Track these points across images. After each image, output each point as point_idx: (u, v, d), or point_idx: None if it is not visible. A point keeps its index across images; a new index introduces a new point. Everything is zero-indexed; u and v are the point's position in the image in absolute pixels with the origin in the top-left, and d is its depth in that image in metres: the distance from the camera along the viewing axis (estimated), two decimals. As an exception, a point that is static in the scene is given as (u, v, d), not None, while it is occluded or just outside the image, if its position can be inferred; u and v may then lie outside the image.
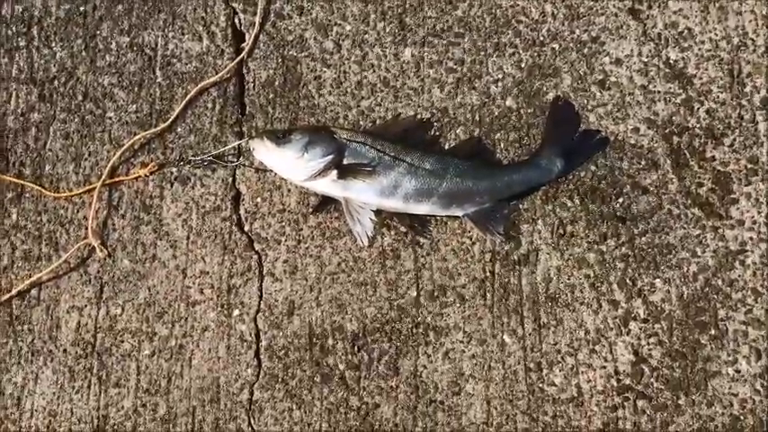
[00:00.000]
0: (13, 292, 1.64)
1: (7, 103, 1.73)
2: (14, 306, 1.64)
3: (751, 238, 1.58)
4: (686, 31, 1.66)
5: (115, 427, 1.58)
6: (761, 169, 1.60)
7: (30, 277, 1.65)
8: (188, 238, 1.65)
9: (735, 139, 1.61)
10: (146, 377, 1.61)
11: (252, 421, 1.57)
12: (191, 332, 1.62)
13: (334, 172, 1.57)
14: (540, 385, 1.55)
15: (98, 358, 1.62)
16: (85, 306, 1.64)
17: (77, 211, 1.68)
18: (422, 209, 1.59)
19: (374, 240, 1.62)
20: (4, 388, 1.61)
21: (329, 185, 1.59)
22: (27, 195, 1.69)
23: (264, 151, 1.59)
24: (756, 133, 1.61)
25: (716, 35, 1.65)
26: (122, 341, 1.62)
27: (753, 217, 1.58)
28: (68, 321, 1.63)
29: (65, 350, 1.62)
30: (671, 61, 1.65)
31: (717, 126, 1.62)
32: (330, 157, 1.56)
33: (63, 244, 1.66)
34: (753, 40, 1.65)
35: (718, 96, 1.63)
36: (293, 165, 1.58)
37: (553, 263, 1.60)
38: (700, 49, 1.65)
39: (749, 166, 1.60)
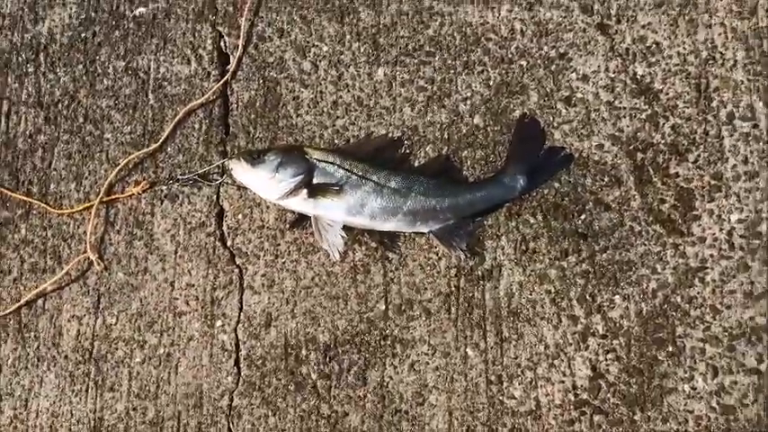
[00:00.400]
0: (22, 301, 1.79)
1: (18, 125, 1.87)
2: (23, 315, 1.79)
3: (711, 255, 1.58)
4: (654, 45, 1.66)
5: (109, 428, 1.71)
6: (724, 185, 1.59)
7: (36, 288, 1.79)
8: (176, 252, 1.76)
9: (699, 155, 1.61)
10: (137, 383, 1.73)
11: (231, 426, 1.68)
12: (177, 341, 1.73)
13: (305, 191, 1.65)
14: (500, 398, 1.60)
15: (95, 364, 1.75)
16: (84, 315, 1.77)
17: (78, 227, 1.80)
18: (388, 226, 1.65)
19: (346, 255, 1.69)
20: (14, 390, 1.76)
21: (300, 203, 1.66)
22: (34, 212, 1.83)
23: (241, 171, 1.68)
24: (721, 149, 1.60)
25: (684, 49, 1.65)
26: (116, 349, 1.74)
27: (714, 234, 1.58)
28: (69, 330, 1.77)
29: (66, 356, 1.76)
30: (638, 76, 1.65)
31: (681, 142, 1.62)
32: (300, 177, 1.64)
33: (65, 257, 1.79)
34: (722, 53, 1.63)
35: (683, 112, 1.63)
36: (266, 184, 1.66)
37: (515, 278, 1.64)
38: (667, 64, 1.65)
39: (713, 182, 1.60)
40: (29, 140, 1.87)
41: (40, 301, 1.79)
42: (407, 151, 1.72)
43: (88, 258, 1.78)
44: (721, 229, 1.58)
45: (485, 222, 1.66)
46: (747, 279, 1.58)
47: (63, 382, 1.76)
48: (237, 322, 1.72)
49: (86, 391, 1.75)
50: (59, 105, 1.87)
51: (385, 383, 1.65)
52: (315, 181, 1.65)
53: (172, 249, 1.77)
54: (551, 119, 1.68)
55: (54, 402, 1.75)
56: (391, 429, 1.63)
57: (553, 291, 1.62)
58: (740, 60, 1.62)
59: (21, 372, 1.77)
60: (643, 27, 1.67)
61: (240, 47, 1.81)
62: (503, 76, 1.71)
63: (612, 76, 1.66)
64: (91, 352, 1.76)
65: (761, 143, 1.59)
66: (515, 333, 1.62)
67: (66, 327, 1.78)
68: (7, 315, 1.79)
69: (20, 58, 1.91)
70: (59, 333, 1.78)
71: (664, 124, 1.63)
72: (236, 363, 1.70)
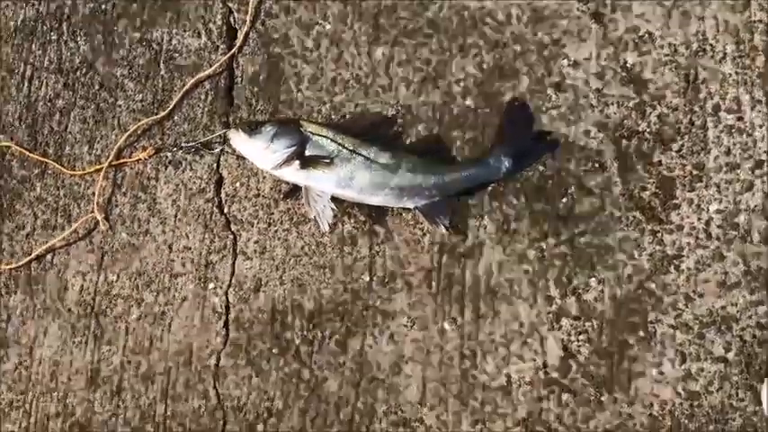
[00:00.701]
0: (33, 255, 1.88)
1: (39, 90, 1.97)
2: (33, 268, 1.88)
3: (688, 244, 1.59)
4: (647, 35, 1.67)
5: (105, 379, 1.80)
6: (705, 176, 1.60)
7: (46, 243, 1.89)
8: (176, 216, 1.84)
9: (683, 145, 1.63)
10: (132, 338, 1.81)
11: (216, 384, 1.75)
12: (172, 301, 1.81)
13: (297, 162, 1.71)
14: (473, 372, 1.64)
15: (95, 319, 1.84)
16: (88, 272, 1.86)
17: (88, 188, 1.89)
18: (375, 200, 1.70)
19: (335, 227, 1.75)
20: (20, 338, 1.86)
21: (293, 174, 1.72)
22: (49, 172, 1.92)
23: (239, 141, 1.75)
24: (705, 139, 1.62)
25: (675, 40, 1.66)
26: (116, 305, 1.83)
27: (692, 223, 1.60)
28: (74, 284, 1.86)
29: (69, 309, 1.85)
30: (628, 65, 1.67)
31: (667, 131, 1.64)
32: (293, 148, 1.70)
33: (74, 216, 1.89)
34: (712, 45, 1.64)
35: (671, 102, 1.64)
36: (261, 154, 1.73)
37: (495, 257, 1.67)
38: (658, 54, 1.67)
39: (695, 172, 1.61)
40: (48, 104, 1.96)
41: (48, 257, 1.89)
42: (400, 129, 1.76)
43: (95, 218, 1.87)
44: (699, 219, 1.60)
45: (469, 201, 1.70)
46: (722, 269, 1.59)
47: (65, 334, 1.85)
48: (229, 286, 1.79)
49: (86, 343, 1.84)
50: (78, 72, 1.96)
51: (364, 352, 1.70)
52: (307, 153, 1.71)
53: (172, 213, 1.84)
54: (541, 103, 1.70)
55: (56, 352, 1.84)
56: (367, 396, 1.68)
57: (531, 271, 1.65)
58: (729, 53, 1.63)
59: (28, 321, 1.86)
60: (637, 17, 1.68)
61: (248, 22, 1.87)
62: (496, 60, 1.74)
63: (603, 63, 1.69)
64: (92, 307, 1.84)
65: (744, 135, 1.60)
66: (492, 310, 1.65)
67: (71, 282, 1.87)
68: (19, 268, 1.90)
69: (44, 27, 2.01)
70: (65, 287, 1.87)
71: (650, 113, 1.65)
72: (226, 324, 1.78)
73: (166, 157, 1.87)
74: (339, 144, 1.70)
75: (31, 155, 1.94)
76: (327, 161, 1.69)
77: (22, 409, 1.81)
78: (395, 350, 1.68)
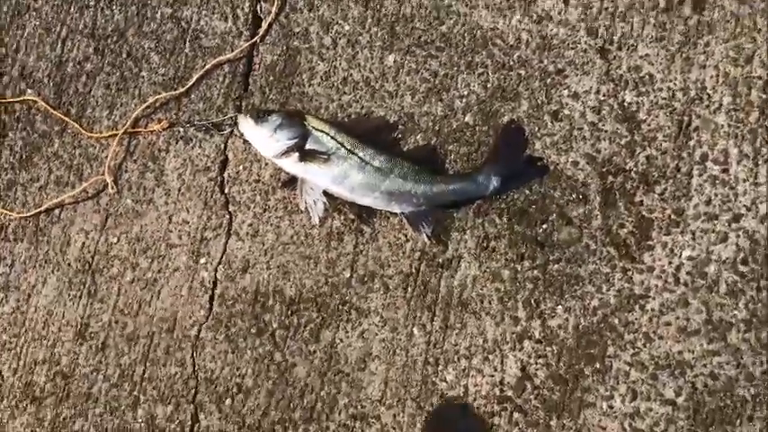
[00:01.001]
0: (42, 208, 1.99)
1: (71, 51, 2.06)
2: (41, 220, 1.98)
3: (656, 286, 1.63)
4: (647, 76, 1.70)
5: (92, 334, 1.90)
6: (683, 222, 1.63)
7: (56, 198, 1.98)
8: (179, 189, 1.92)
9: (666, 189, 1.65)
10: (123, 299, 1.90)
11: (194, 354, 1.83)
12: (164, 269, 1.89)
13: (296, 154, 1.77)
14: (434, 379, 1.70)
15: (92, 276, 1.93)
16: (91, 231, 1.95)
17: (102, 151, 1.98)
18: (366, 201, 1.76)
19: (325, 221, 1.81)
20: (21, 284, 1.96)
21: (292, 165, 1.79)
22: (68, 130, 2.01)
23: (246, 126, 1.82)
24: (688, 186, 1.64)
25: (675, 85, 1.68)
26: (112, 266, 1.92)
27: (663, 266, 1.63)
28: (77, 241, 1.95)
29: (69, 264, 1.94)
30: (625, 103, 1.70)
31: (653, 173, 1.66)
32: (295, 140, 1.77)
33: (86, 176, 1.98)
34: (709, 95, 1.66)
35: (661, 145, 1.67)
36: (265, 142, 1.80)
37: (471, 272, 1.72)
38: (656, 96, 1.69)
39: (673, 216, 1.64)
40: (77, 66, 2.05)
41: (57, 211, 1.98)
42: (399, 136, 1.82)
43: (105, 181, 1.96)
44: (671, 263, 1.63)
45: (454, 214, 1.75)
46: (684, 315, 1.62)
47: (62, 286, 1.95)
48: (219, 263, 1.87)
49: (80, 297, 1.93)
50: (109, 40, 2.05)
51: (335, 344, 1.77)
52: (307, 146, 1.77)
53: (176, 186, 1.92)
54: (536, 129, 1.74)
55: (51, 302, 1.94)
56: (331, 387, 1.75)
57: (502, 290, 1.70)
58: (725, 105, 1.65)
59: (29, 269, 1.97)
60: (641, 57, 1.71)
61: (273, 13, 1.94)
62: (500, 81, 1.78)
63: (602, 98, 1.72)
64: (90, 264, 1.94)
65: (726, 188, 1.62)
66: (460, 322, 1.71)
67: (74, 238, 1.96)
68: (29, 218, 2.00)
69: (84, -9, 2.11)
70: (68, 242, 1.97)
71: (640, 153, 1.68)
72: (211, 299, 1.86)
73: (179, 131, 1.95)
74: (338, 142, 1.76)
75: (54, 112, 2.04)
76: (325, 157, 1.75)
77: (13, 352, 1.92)
78: (363, 347, 1.75)
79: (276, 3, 1.94)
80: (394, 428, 1.71)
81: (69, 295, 1.94)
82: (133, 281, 1.91)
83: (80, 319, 1.93)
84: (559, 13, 1.76)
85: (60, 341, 1.93)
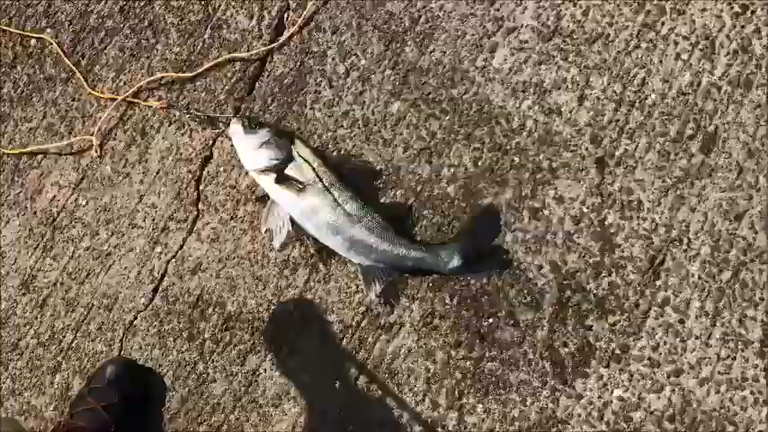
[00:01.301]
0: (26, 150, 1.99)
1: (97, 4, 2.04)
2: (22, 161, 1.99)
3: (579, 415, 1.57)
4: (636, 202, 1.63)
5: (36, 288, 1.90)
6: (625, 360, 1.57)
7: (42, 144, 1.98)
8: (158, 172, 1.90)
9: (619, 321, 1.59)
10: (74, 263, 1.90)
11: (123, 339, 1.83)
12: (121, 246, 1.88)
13: (274, 175, 1.74)
14: (340, 437, 1.68)
15: (52, 231, 1.93)
16: (65, 187, 1.94)
17: (97, 111, 1.97)
18: (327, 241, 1.73)
19: (285, 247, 1.78)
20: (-15, 218, 1.98)
21: (267, 183, 1.75)
22: (73, 81, 2.01)
23: (235, 131, 1.79)
24: (641, 326, 1.58)
25: (660, 219, 1.61)
26: (74, 227, 1.92)
27: (592, 398, 1.57)
28: (48, 192, 1.95)
29: (35, 213, 1.95)
30: (606, 223, 1.64)
31: (611, 301, 1.61)
32: (277, 161, 1.73)
33: (75, 131, 1.97)
34: (690, 240, 1.59)
35: (628, 275, 1.61)
36: (248, 153, 1.77)
37: (408, 343, 1.69)
38: (638, 225, 1.62)
39: (617, 351, 1.58)
40: (99, 20, 2.04)
41: (39, 157, 1.99)
42: (381, 185, 1.77)
43: (91, 142, 1.96)
44: (600, 398, 1.57)
45: (409, 280, 1.71)
46: (597, 454, 1.58)
47: (22, 232, 1.95)
48: (173, 257, 1.86)
49: (35, 248, 1.93)
50: (136, 3, 2.02)
51: (258, 373, 1.75)
52: (287, 171, 1.74)
53: (156, 168, 1.91)
54: (513, 221, 1.69)
55: (8, 244, 1.95)
56: (242, 413, 1.73)
57: (432, 371, 1.66)
58: (702, 255, 1.58)
59: (-3, 205, 1.98)
60: (636, 181, 1.64)
61: (297, 26, 1.90)
62: (492, 161, 1.73)
63: (585, 210, 1.65)
64: (55, 219, 1.94)
65: (677, 339, 1.56)
66: (382, 389, 1.68)
67: (47, 188, 1.96)
68: (11, 155, 2.00)
69: (126, -53, 2.09)
70: (40, 190, 1.97)
71: (605, 277, 1.62)
72: (155, 290, 1.85)
73: (174, 115, 1.93)
74: (318, 176, 1.72)
75: (65, 59, 2.03)
76: (300, 187, 1.72)
77: (-42, 282, 1.94)
78: (284, 384, 1.72)
79: (304, 15, 1.90)
80: (288, 473, 1.70)
81: (26, 243, 1.95)
82: (89, 248, 1.91)
83: (29, 270, 1.93)
84: (570, 111, 1.70)
85: (5, 285, 1.95)
